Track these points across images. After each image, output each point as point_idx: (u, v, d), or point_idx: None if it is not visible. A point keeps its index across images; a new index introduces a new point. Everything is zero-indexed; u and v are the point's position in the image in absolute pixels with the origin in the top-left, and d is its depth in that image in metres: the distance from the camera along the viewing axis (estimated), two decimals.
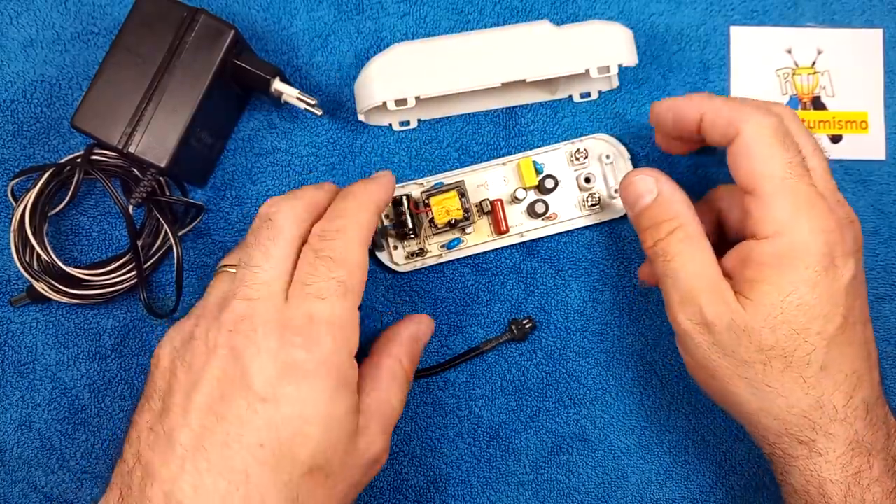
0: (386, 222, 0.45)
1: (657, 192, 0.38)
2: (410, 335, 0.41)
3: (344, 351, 0.34)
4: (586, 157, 0.46)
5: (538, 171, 0.45)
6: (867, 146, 0.48)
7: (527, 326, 0.46)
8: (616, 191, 0.45)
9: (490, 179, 0.46)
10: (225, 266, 0.39)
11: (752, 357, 0.36)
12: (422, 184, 0.45)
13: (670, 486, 0.47)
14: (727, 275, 0.37)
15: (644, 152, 0.47)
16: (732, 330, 0.36)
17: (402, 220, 0.44)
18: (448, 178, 0.45)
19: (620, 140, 0.46)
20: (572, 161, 0.46)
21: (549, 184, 0.45)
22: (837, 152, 0.48)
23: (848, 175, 0.48)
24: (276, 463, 0.32)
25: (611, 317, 0.47)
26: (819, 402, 0.36)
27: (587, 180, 0.45)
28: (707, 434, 0.47)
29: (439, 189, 0.44)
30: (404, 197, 0.44)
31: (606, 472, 0.46)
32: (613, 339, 0.47)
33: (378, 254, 0.45)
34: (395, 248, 0.45)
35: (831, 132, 0.48)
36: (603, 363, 0.47)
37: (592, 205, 0.45)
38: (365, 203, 0.37)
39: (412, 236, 0.45)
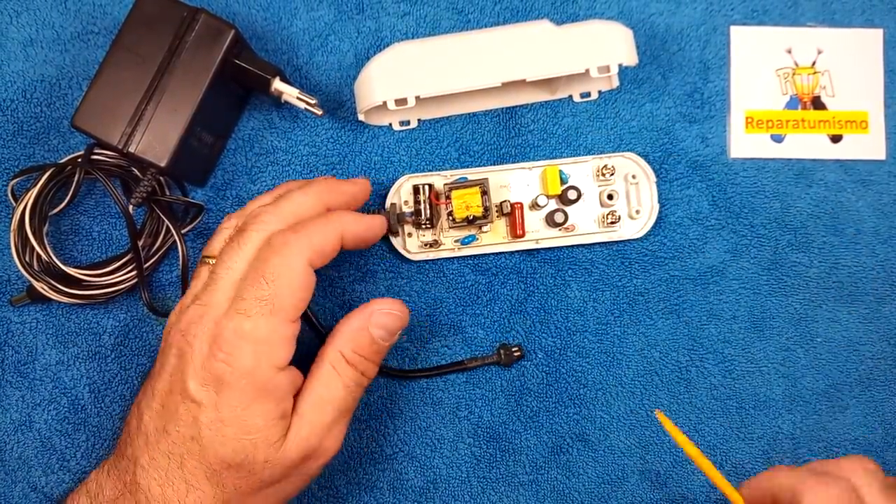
0: (405, 209, 0.45)
1: None
2: (357, 327, 0.39)
3: (265, 365, 0.35)
4: (612, 175, 0.46)
5: (563, 181, 0.45)
6: (867, 146, 0.48)
7: (515, 354, 0.46)
8: (637, 211, 0.46)
9: (513, 182, 0.46)
10: (206, 257, 0.39)
11: None
12: (446, 175, 0.45)
13: (670, 486, 0.46)
14: None
15: (644, 151, 0.47)
16: None
17: (419, 209, 0.44)
18: (472, 173, 0.45)
19: (648, 161, 0.46)
20: (598, 176, 0.46)
21: (571, 195, 0.45)
22: (837, 152, 0.48)
23: (848, 175, 0.48)
24: (202, 455, 0.35)
25: (611, 317, 0.47)
26: None
27: (610, 197, 0.46)
28: (707, 434, 0.47)
29: (462, 183, 0.44)
30: (426, 186, 0.44)
31: (606, 472, 0.46)
32: (613, 339, 0.47)
33: (392, 239, 0.45)
34: (410, 235, 0.45)
35: (831, 132, 0.48)
36: (603, 363, 0.47)
37: (612, 222, 0.45)
38: (328, 226, 0.37)
39: (427, 226, 0.45)
